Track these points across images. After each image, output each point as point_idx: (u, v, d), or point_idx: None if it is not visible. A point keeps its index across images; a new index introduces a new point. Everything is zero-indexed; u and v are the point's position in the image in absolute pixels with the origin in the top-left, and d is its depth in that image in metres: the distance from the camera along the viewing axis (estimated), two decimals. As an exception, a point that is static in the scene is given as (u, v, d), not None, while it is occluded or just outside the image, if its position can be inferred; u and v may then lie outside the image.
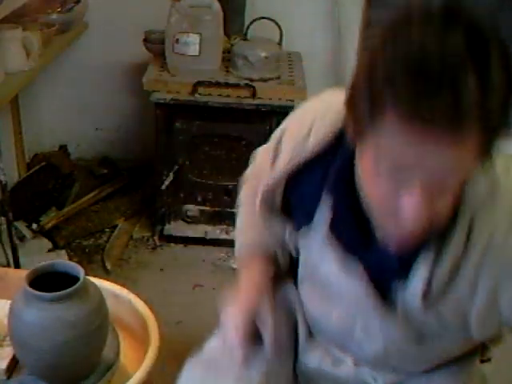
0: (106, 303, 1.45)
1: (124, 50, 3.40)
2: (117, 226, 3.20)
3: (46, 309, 1.35)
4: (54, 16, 3.03)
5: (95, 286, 1.46)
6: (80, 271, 1.39)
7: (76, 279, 1.37)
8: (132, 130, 3.66)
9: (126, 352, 1.58)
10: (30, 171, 3.32)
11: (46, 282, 1.38)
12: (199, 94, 2.81)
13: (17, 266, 2.44)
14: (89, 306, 1.39)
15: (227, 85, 2.81)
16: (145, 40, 3.09)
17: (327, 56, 3.49)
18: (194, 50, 2.78)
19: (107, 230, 3.20)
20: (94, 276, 2.78)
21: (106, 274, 2.89)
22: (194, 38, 2.77)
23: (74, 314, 1.35)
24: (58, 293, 1.34)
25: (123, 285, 2.78)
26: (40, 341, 1.34)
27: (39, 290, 1.34)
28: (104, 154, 3.68)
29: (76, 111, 3.63)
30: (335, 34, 3.42)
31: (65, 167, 3.49)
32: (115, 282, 2.82)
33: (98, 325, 1.40)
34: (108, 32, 3.40)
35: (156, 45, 3.03)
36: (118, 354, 1.51)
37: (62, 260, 1.47)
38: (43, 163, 3.37)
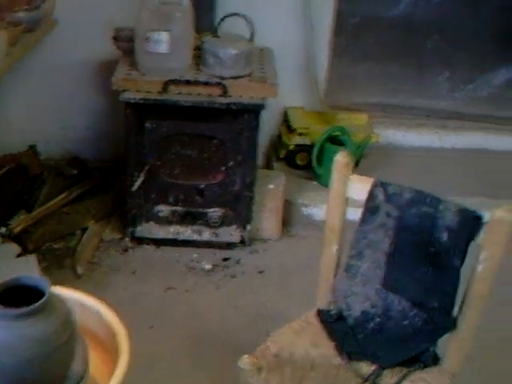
0: (73, 317, 1.41)
1: (94, 47, 3.35)
2: (87, 228, 3.15)
3: (10, 326, 1.30)
4: (21, 14, 2.94)
5: (61, 299, 1.41)
6: (46, 285, 1.35)
7: (42, 292, 1.32)
8: (103, 129, 3.60)
9: (96, 363, 1.55)
10: (-2, 173, 3.25)
11: (11, 295, 1.34)
12: (169, 92, 2.76)
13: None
14: (55, 321, 1.34)
15: (197, 83, 2.76)
16: (114, 38, 3.03)
17: (299, 51, 3.47)
18: (163, 47, 2.73)
19: (78, 232, 3.15)
20: (65, 281, 2.76)
21: (77, 279, 2.85)
22: (163, 36, 2.71)
23: (39, 331, 1.31)
24: (23, 309, 1.29)
25: (94, 289, 2.76)
26: (5, 358, 1.30)
27: (3, 305, 1.29)
28: (74, 154, 3.62)
29: (45, 110, 3.57)
30: (307, 29, 3.39)
31: (34, 168, 3.42)
32: (86, 286, 2.81)
33: (66, 340, 1.35)
34: (77, 29, 3.33)
35: (125, 43, 2.97)
36: (87, 367, 1.47)
37: (26, 274, 1.41)
38: (12, 164, 3.29)
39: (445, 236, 1.66)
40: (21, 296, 1.35)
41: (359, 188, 1.78)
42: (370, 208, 1.77)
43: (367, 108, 3.76)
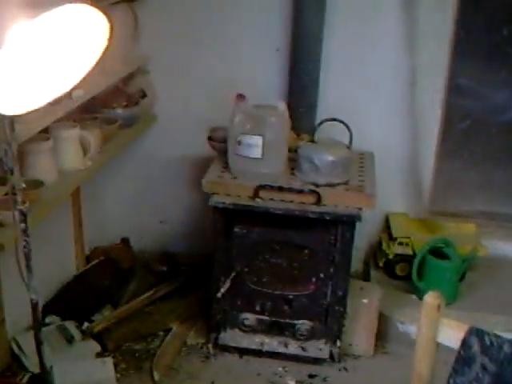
0: None
1: (191, 143, 3.31)
2: (171, 329, 3.03)
3: None
4: (119, 111, 2.95)
5: None
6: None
7: None
8: (197, 225, 3.52)
9: None
10: (87, 266, 3.21)
11: None
12: (261, 198, 2.64)
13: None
14: None
15: (290, 190, 2.64)
16: (209, 138, 2.97)
17: (403, 154, 3.31)
18: (256, 152, 2.63)
19: (161, 333, 3.03)
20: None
21: (154, 385, 2.73)
22: (256, 140, 2.62)
23: None
24: None
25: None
26: None
27: None
28: (166, 248, 3.56)
29: (141, 203, 3.55)
30: (412, 131, 3.23)
31: (125, 261, 3.37)
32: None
33: None
34: (176, 125, 3.33)
35: (220, 143, 2.90)
36: None
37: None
38: (102, 257, 3.26)
39: (551, 403, 1.42)
40: None
41: (451, 334, 1.57)
42: (463, 358, 1.55)
43: (475, 216, 3.51)
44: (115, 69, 2.84)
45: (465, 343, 1.55)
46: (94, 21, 1.36)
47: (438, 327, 1.58)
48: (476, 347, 1.53)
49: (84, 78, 1.47)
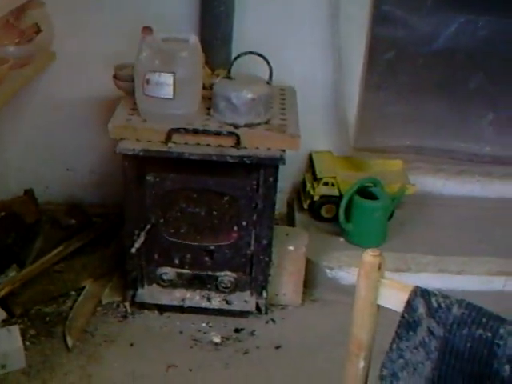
0: None
1: (96, 83, 3.01)
2: (83, 288, 2.79)
3: None
4: (11, 49, 2.62)
5: None
6: None
7: None
8: (108, 172, 3.25)
9: None
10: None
11: None
12: (174, 142, 2.39)
13: None
14: None
15: (206, 132, 2.39)
16: (114, 76, 2.68)
17: (327, 88, 3.10)
18: (167, 91, 2.36)
19: (73, 293, 2.79)
20: (54, 353, 2.43)
21: (68, 351, 2.49)
22: (166, 78, 2.34)
23: None
24: None
25: (86, 364, 2.42)
26: None
27: None
28: (76, 199, 3.28)
29: (45, 151, 3.24)
30: (335, 63, 3.02)
31: (29, 215, 3.07)
32: (77, 359, 2.46)
33: None
34: (78, 63, 3.02)
35: (127, 82, 2.61)
36: None
37: None
38: (2, 213, 2.95)
39: (507, 370, 1.26)
40: None
41: (394, 296, 1.39)
42: (408, 322, 1.38)
43: (402, 151, 3.37)
44: (2, 1, 2.50)
45: (409, 305, 1.37)
46: None
47: (378, 288, 1.40)
48: (422, 310, 1.36)
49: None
